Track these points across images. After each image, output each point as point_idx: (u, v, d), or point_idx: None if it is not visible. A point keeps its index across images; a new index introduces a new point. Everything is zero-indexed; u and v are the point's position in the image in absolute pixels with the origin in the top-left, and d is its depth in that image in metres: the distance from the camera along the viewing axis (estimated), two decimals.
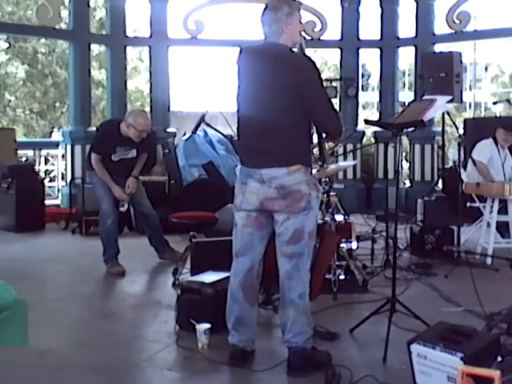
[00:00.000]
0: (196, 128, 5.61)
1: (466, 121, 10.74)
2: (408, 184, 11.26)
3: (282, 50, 3.74)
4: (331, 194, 5.82)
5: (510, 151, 7.53)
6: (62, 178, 11.31)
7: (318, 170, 5.19)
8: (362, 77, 24.46)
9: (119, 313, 5.15)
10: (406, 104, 5.13)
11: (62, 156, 11.13)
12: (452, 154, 14.48)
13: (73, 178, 9.98)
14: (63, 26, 11.95)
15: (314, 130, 3.91)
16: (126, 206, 6.43)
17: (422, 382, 3.39)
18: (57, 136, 17.55)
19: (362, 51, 11.47)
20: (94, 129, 6.74)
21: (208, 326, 4.16)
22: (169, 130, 10.83)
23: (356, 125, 11.25)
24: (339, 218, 5.85)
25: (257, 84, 3.77)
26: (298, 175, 3.67)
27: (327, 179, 5.81)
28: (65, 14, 12.23)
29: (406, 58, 13.40)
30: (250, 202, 3.79)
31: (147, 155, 6.66)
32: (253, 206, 3.78)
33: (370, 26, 12.31)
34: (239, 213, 3.88)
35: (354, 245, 5.84)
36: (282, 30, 3.72)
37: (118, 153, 6.30)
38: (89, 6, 11.01)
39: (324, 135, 3.95)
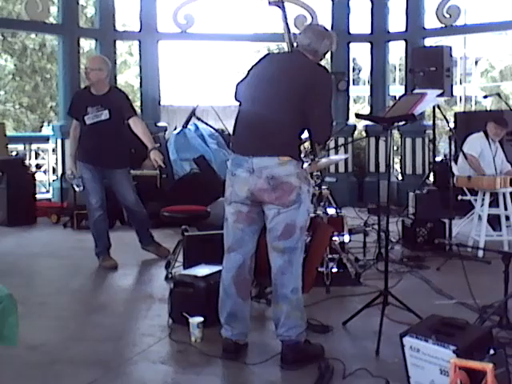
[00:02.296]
0: (187, 122, 5.60)
1: (456, 114, 10.76)
2: (399, 177, 11.29)
3: (304, 57, 3.84)
4: (323, 187, 5.83)
5: (500, 145, 7.56)
6: (53, 172, 11.27)
7: (309, 164, 5.21)
8: (353, 71, 24.47)
9: (112, 306, 5.13)
10: (397, 98, 5.13)
11: (53, 150, 11.09)
12: (443, 147, 14.56)
13: (64, 172, 9.93)
14: (52, 20, 11.87)
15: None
16: (81, 186, 6.36)
17: (414, 374, 3.39)
18: (47, 130, 17.47)
19: (352, 45, 11.48)
20: None
21: (201, 319, 4.16)
22: (159, 124, 10.81)
23: (347, 119, 11.27)
24: (331, 211, 5.86)
25: (266, 78, 3.81)
26: (290, 167, 3.67)
27: (319, 173, 5.81)
28: (54, 8, 12.16)
29: (396, 52, 13.43)
30: (239, 193, 3.78)
31: (136, 119, 6.32)
32: (242, 197, 3.77)
33: (360, 20, 12.33)
34: (229, 207, 3.88)
35: (347, 238, 5.85)
36: (314, 54, 3.86)
37: (90, 114, 6.17)
38: (78, 3, 10.97)
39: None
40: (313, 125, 3.75)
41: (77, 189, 6.54)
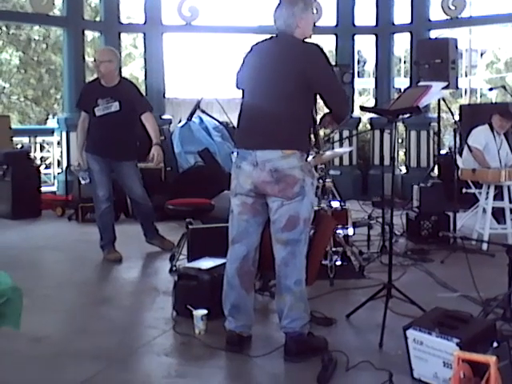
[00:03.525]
0: (191, 115, 5.60)
1: (461, 107, 10.74)
2: (404, 170, 11.27)
3: (292, 39, 3.79)
4: (327, 180, 5.82)
5: (505, 137, 7.54)
6: (58, 165, 11.28)
7: (313, 157, 5.20)
8: (358, 63, 24.39)
9: (116, 299, 5.14)
10: (402, 90, 5.12)
11: (58, 143, 11.10)
12: (448, 140, 14.52)
13: (68, 165, 9.95)
14: (57, 12, 11.87)
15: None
16: (87, 179, 6.37)
17: (418, 367, 3.40)
18: (52, 123, 17.49)
19: (357, 37, 11.43)
20: None
21: (205, 311, 4.17)
22: (164, 116, 10.79)
23: (352, 111, 11.22)
24: (335, 204, 5.86)
25: (262, 70, 3.80)
26: (293, 160, 3.67)
27: (323, 166, 5.81)
28: (58, 0, 12.16)
29: (401, 44, 13.39)
30: (244, 186, 3.79)
31: (149, 115, 6.36)
32: (246, 189, 3.78)
33: (365, 12, 12.28)
34: (235, 199, 3.89)
35: (351, 231, 5.85)
36: (296, 24, 3.78)
37: (100, 106, 6.18)
38: None
39: (325, 120, 3.98)
40: (330, 103, 3.78)
41: (82, 181, 6.54)
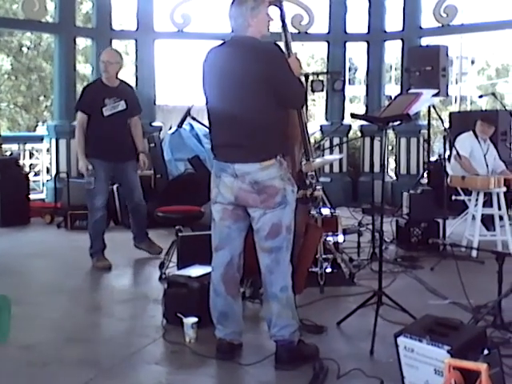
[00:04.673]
0: (182, 122, 5.60)
1: (451, 114, 10.78)
2: (394, 177, 11.28)
3: (247, 41, 3.73)
4: (317, 187, 5.81)
5: (494, 144, 7.57)
6: (47, 172, 11.22)
7: (304, 164, 5.19)
8: (349, 70, 24.46)
9: (106, 307, 5.13)
10: (393, 98, 5.12)
11: (47, 150, 11.05)
12: (437, 147, 14.56)
13: (58, 173, 9.92)
14: (49, 19, 11.85)
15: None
16: (92, 184, 6.30)
17: (409, 374, 3.39)
18: (41, 130, 17.41)
19: (348, 45, 11.45)
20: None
21: (195, 319, 4.16)
22: (155, 123, 10.78)
23: (342, 118, 11.26)
24: (325, 211, 5.86)
25: (224, 78, 3.73)
26: (272, 170, 3.65)
27: (313, 173, 5.80)
28: (51, 7, 12.12)
29: (392, 51, 13.41)
30: (225, 196, 3.77)
31: (138, 120, 6.57)
32: (228, 199, 3.77)
33: (357, 20, 12.31)
34: (215, 206, 3.86)
35: (341, 238, 5.85)
36: (247, 23, 3.71)
37: (108, 105, 6.21)
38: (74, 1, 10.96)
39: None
40: (287, 95, 3.70)
41: (87, 187, 6.38)
